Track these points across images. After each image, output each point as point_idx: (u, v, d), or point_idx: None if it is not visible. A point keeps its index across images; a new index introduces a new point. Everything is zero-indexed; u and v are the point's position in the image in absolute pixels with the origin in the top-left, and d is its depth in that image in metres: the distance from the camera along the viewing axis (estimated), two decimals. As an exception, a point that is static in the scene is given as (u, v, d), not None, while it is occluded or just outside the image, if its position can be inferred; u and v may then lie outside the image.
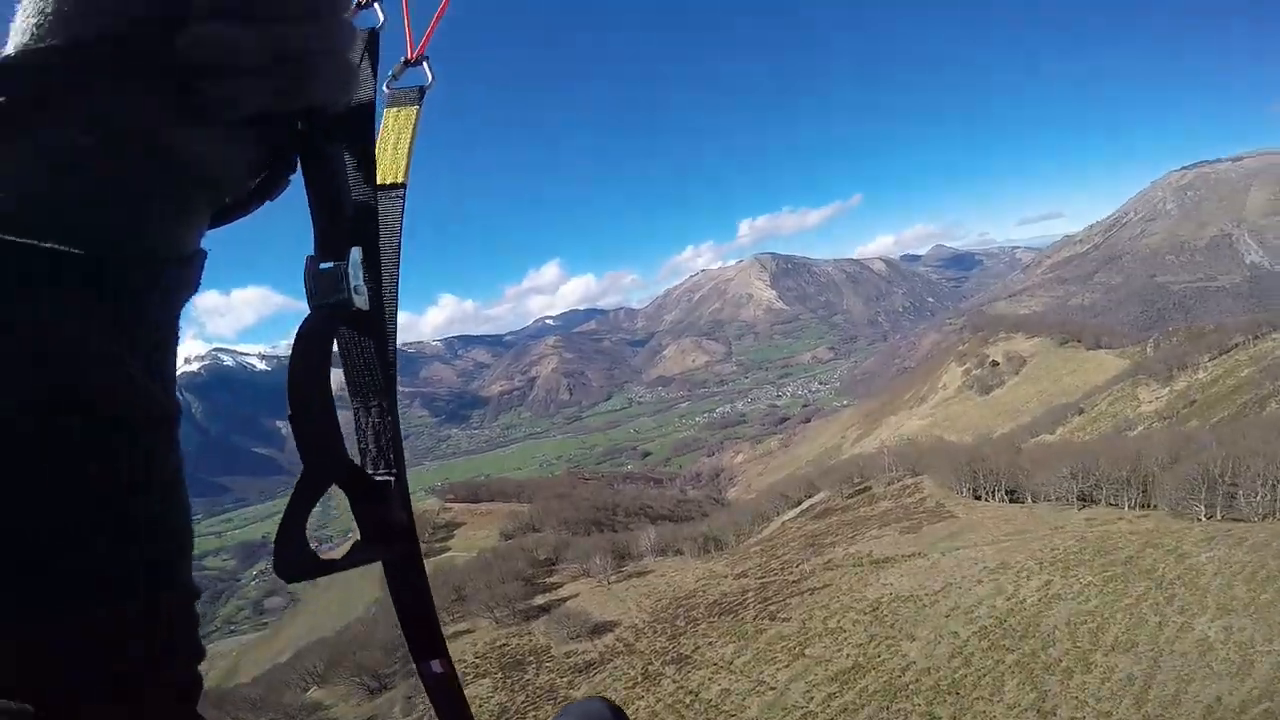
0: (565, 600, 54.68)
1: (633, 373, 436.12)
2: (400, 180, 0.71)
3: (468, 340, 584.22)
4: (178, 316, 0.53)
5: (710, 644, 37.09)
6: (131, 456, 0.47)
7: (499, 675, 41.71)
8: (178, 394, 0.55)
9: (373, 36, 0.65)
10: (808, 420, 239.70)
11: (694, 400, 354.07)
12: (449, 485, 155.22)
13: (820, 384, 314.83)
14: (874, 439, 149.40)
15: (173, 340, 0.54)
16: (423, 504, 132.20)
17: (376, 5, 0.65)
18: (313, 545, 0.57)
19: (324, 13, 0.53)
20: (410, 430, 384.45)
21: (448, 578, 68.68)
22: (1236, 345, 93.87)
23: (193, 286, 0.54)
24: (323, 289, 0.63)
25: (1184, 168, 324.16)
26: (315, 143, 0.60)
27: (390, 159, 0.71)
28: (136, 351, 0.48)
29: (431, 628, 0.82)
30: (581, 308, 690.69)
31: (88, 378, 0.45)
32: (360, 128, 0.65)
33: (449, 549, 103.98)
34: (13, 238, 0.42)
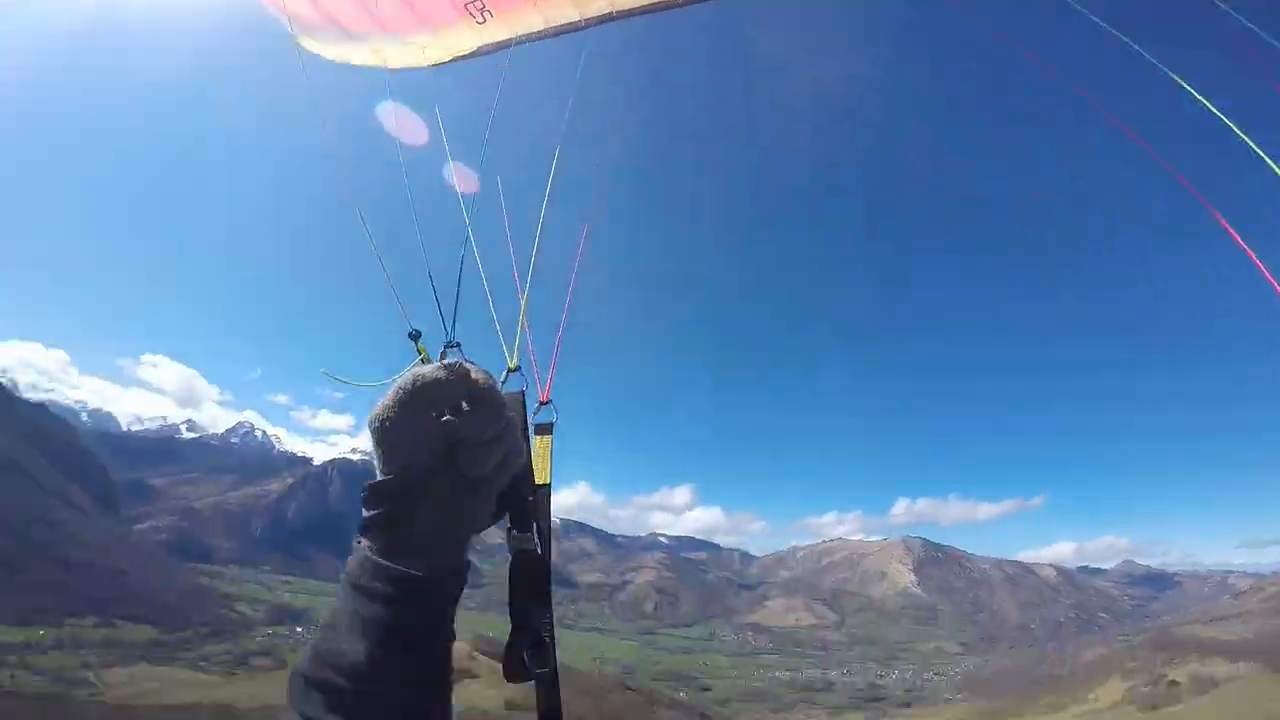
0: None
1: (727, 612, 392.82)
2: (547, 481, 1.48)
3: (583, 527, 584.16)
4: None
5: None
6: None
7: None
8: None
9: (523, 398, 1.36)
10: (907, 705, 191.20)
11: (783, 655, 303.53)
12: (494, 638, 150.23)
13: (936, 674, 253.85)
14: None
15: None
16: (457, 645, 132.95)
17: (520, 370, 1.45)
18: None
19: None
20: (498, 580, 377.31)
21: None
22: None
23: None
24: (518, 543, 1.37)
25: None
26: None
27: (540, 469, 1.46)
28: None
29: None
30: (699, 536, 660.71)
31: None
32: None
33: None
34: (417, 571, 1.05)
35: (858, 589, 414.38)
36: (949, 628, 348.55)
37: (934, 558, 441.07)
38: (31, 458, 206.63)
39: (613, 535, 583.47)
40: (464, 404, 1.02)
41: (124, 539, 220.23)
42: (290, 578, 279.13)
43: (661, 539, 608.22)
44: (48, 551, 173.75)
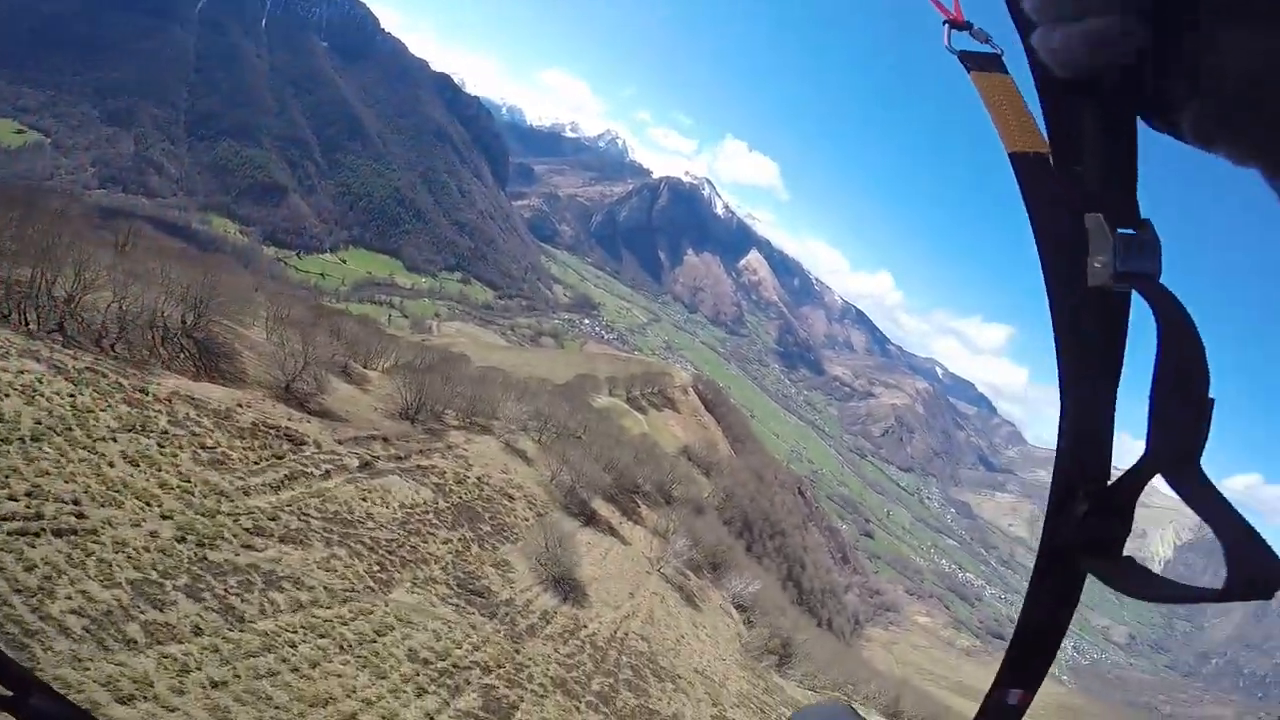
0: None
1: (950, 480, 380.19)
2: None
3: (861, 319, 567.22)
4: None
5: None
6: None
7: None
8: None
9: None
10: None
11: (965, 548, 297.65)
12: (709, 382, 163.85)
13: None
14: None
15: None
16: (676, 371, 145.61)
17: None
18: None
19: None
20: (751, 334, 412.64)
21: (601, 426, 70.03)
22: None
23: None
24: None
25: None
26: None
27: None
28: None
29: (1044, 659, 0.90)
30: (979, 387, 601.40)
31: None
32: None
33: (643, 412, 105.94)
34: None
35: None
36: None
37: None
38: (462, 137, 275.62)
39: (886, 340, 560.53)
40: None
41: (504, 211, 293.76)
42: (601, 273, 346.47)
43: (937, 369, 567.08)
44: (452, 213, 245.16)
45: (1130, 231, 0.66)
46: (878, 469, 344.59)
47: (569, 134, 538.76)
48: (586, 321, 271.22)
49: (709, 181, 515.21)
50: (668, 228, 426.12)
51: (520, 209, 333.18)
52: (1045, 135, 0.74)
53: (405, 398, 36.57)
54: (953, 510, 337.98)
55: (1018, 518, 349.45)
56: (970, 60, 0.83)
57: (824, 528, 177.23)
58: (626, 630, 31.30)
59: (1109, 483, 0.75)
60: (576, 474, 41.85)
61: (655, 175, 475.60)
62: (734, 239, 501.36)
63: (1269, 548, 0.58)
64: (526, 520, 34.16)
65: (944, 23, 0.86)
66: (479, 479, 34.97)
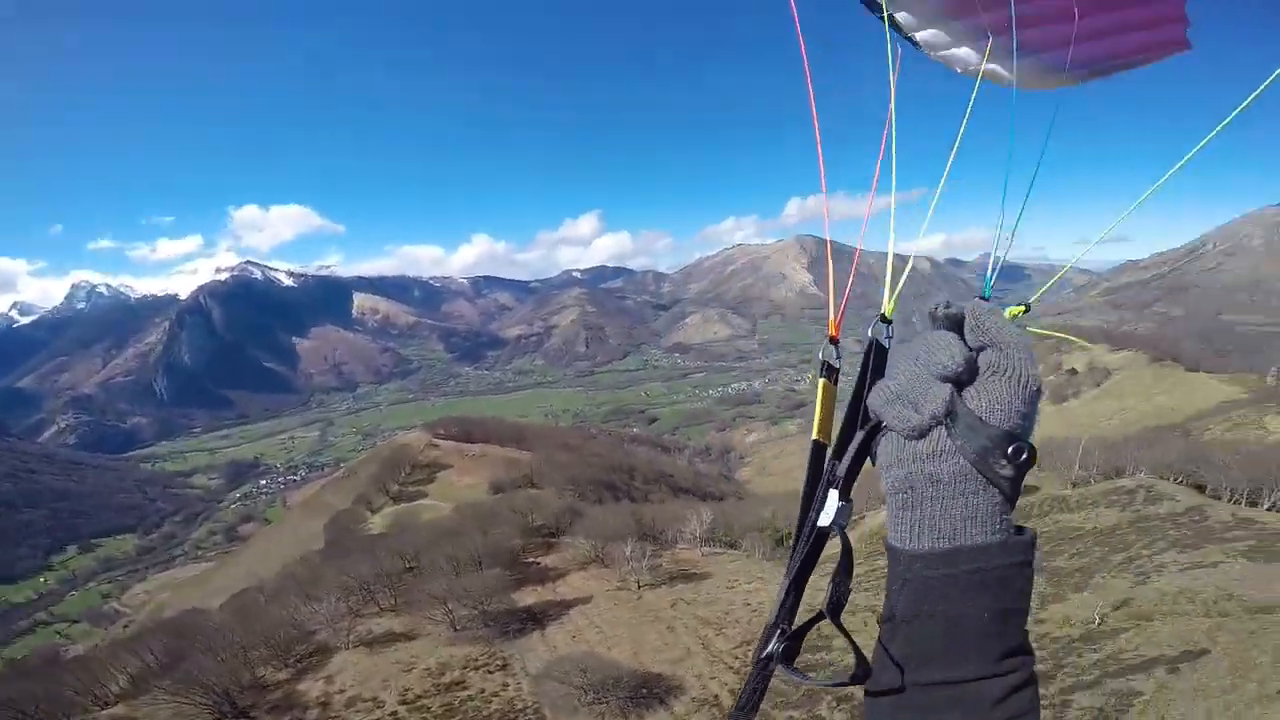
0: (569, 606, 36.25)
1: (651, 335, 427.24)
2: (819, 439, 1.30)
3: (494, 281, 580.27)
4: None
5: None
6: None
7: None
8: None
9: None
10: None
11: (710, 373, 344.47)
12: (443, 420, 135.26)
13: (844, 375, 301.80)
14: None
15: None
16: (406, 437, 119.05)
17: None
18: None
19: None
20: (423, 363, 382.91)
21: (405, 537, 53.57)
22: None
23: None
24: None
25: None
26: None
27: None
28: None
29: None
30: (611, 265, 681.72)
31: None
32: None
33: (424, 496, 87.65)
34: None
35: (762, 293, 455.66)
36: (845, 324, 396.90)
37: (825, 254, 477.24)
38: None
39: (526, 282, 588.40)
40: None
41: (39, 457, 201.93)
42: (225, 429, 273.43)
43: (576, 274, 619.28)
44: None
45: (845, 503, 1.18)
46: (605, 373, 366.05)
47: (21, 320, 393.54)
48: (263, 482, 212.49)
49: (253, 263, 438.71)
50: (251, 334, 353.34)
51: (53, 439, 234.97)
52: (834, 436, 1.25)
53: None
54: (677, 356, 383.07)
55: (716, 324, 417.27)
56: (826, 369, 1.39)
57: (630, 439, 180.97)
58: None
59: None
60: (453, 617, 33.60)
61: (185, 295, 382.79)
62: (328, 296, 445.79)
63: None
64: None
65: (828, 337, 1.36)
66: None
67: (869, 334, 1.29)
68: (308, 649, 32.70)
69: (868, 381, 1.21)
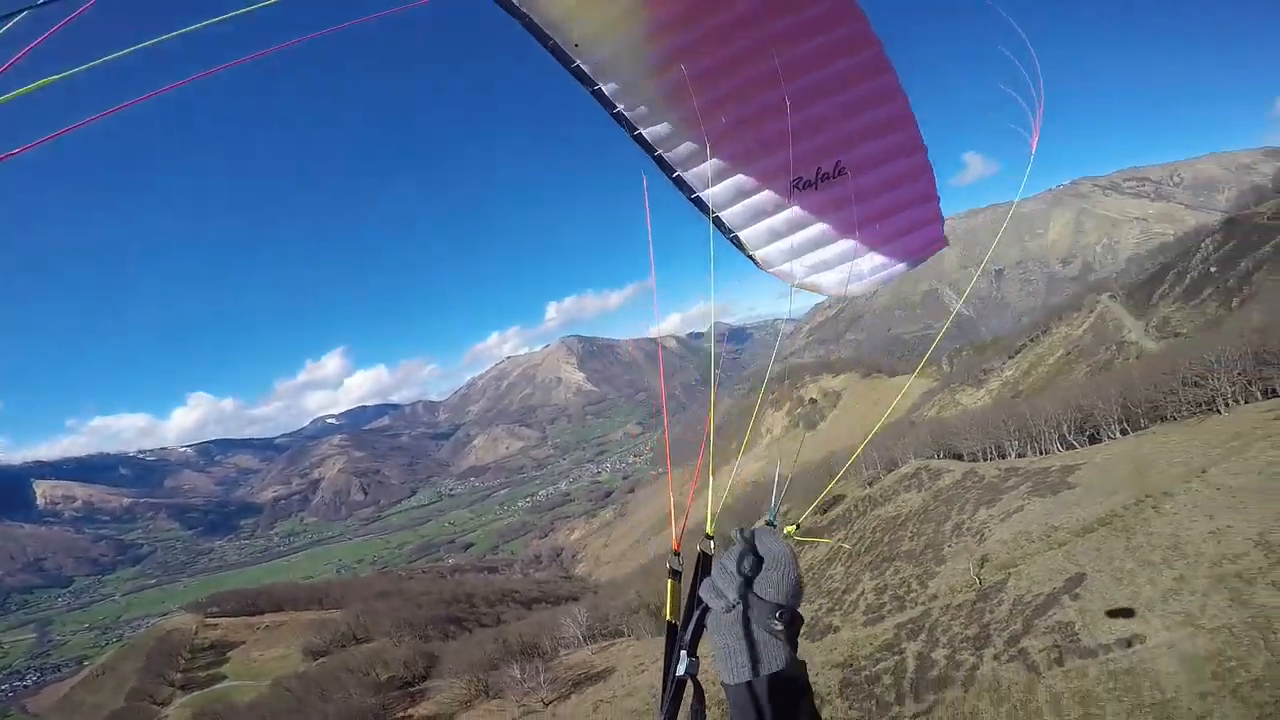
0: None
1: (438, 466, 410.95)
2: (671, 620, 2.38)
3: (227, 445, 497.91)
4: None
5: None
6: None
7: None
8: None
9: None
10: (631, 490, 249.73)
11: (512, 487, 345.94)
12: (213, 597, 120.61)
13: (635, 456, 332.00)
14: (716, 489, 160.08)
15: None
16: (170, 622, 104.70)
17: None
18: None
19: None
20: (156, 544, 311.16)
21: None
22: (1023, 346, 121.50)
23: None
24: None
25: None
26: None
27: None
28: None
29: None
30: (372, 403, 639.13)
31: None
32: None
33: (222, 678, 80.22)
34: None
35: (543, 400, 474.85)
36: (623, 412, 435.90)
37: (591, 351, 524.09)
38: None
39: (270, 439, 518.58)
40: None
41: None
42: None
43: (331, 419, 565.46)
44: None
45: (693, 659, 2.04)
46: (395, 514, 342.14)
47: None
48: None
49: None
50: None
51: None
52: (679, 616, 2.27)
53: None
54: (473, 480, 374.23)
55: (506, 440, 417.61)
56: (671, 573, 2.41)
57: (452, 570, 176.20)
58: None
59: None
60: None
61: None
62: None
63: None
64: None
65: (670, 550, 2.35)
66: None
67: (698, 548, 2.33)
68: None
69: (698, 578, 2.24)
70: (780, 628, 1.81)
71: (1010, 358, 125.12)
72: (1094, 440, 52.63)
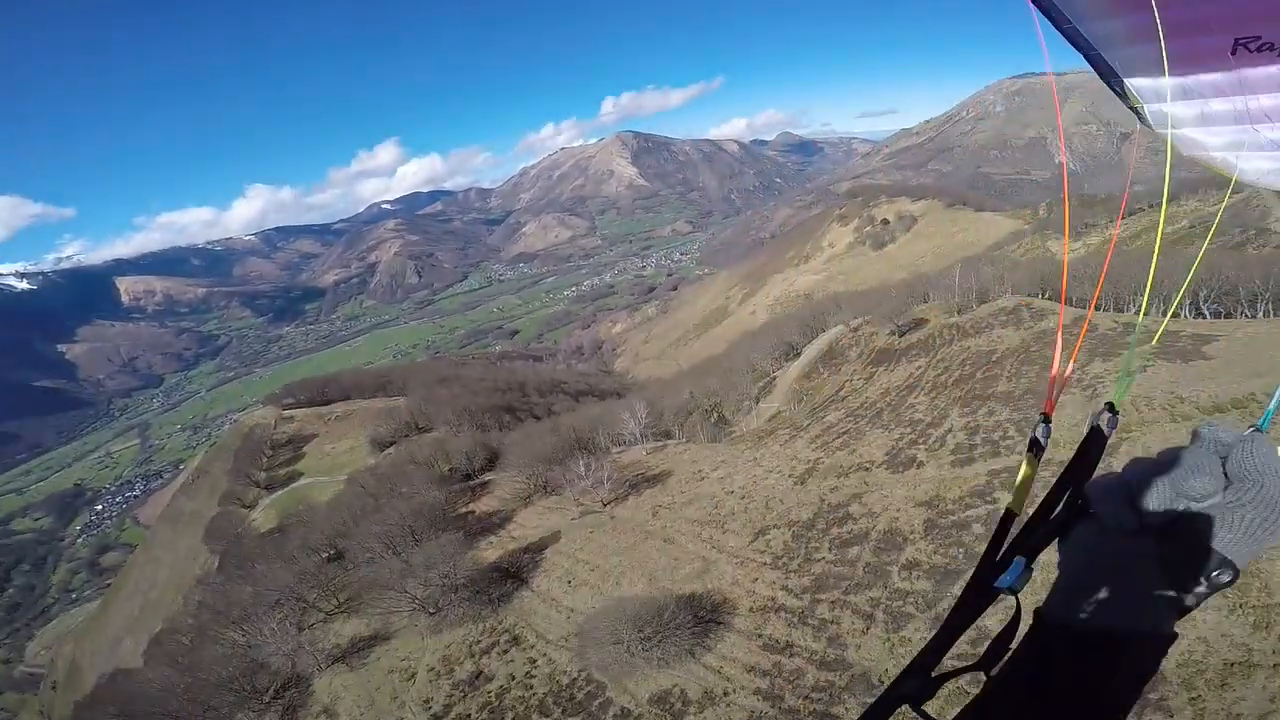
0: (539, 549, 30.43)
1: (489, 251, 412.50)
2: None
3: (288, 231, 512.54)
4: None
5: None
6: None
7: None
8: None
9: None
10: (675, 288, 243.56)
11: (559, 275, 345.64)
12: (287, 387, 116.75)
13: (682, 254, 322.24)
14: (764, 296, 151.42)
15: None
16: (251, 418, 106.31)
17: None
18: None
19: None
20: (232, 335, 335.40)
21: (311, 526, 47.38)
22: (1139, 210, 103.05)
23: None
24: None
25: (1014, 76, 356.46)
26: None
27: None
28: None
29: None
30: (425, 190, 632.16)
31: None
32: None
33: (300, 475, 79.06)
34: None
35: (594, 191, 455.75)
36: (674, 209, 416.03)
37: (646, 147, 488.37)
38: None
39: (328, 225, 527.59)
40: None
41: None
42: (23, 468, 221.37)
43: (385, 206, 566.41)
44: None
45: (1028, 569, 1.20)
46: (448, 298, 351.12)
47: None
48: (99, 508, 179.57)
49: None
50: (2, 356, 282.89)
51: None
52: (1025, 507, 1.32)
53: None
54: (522, 266, 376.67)
55: (555, 228, 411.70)
56: (1032, 445, 1.37)
57: (499, 357, 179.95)
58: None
59: None
60: (423, 600, 28.99)
61: None
62: (83, 290, 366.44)
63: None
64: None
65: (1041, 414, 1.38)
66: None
67: (1090, 420, 1.28)
68: (278, 684, 26.79)
69: (1077, 467, 1.26)
70: (1207, 592, 1.07)
71: (1125, 218, 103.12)
72: (1228, 316, 43.45)
